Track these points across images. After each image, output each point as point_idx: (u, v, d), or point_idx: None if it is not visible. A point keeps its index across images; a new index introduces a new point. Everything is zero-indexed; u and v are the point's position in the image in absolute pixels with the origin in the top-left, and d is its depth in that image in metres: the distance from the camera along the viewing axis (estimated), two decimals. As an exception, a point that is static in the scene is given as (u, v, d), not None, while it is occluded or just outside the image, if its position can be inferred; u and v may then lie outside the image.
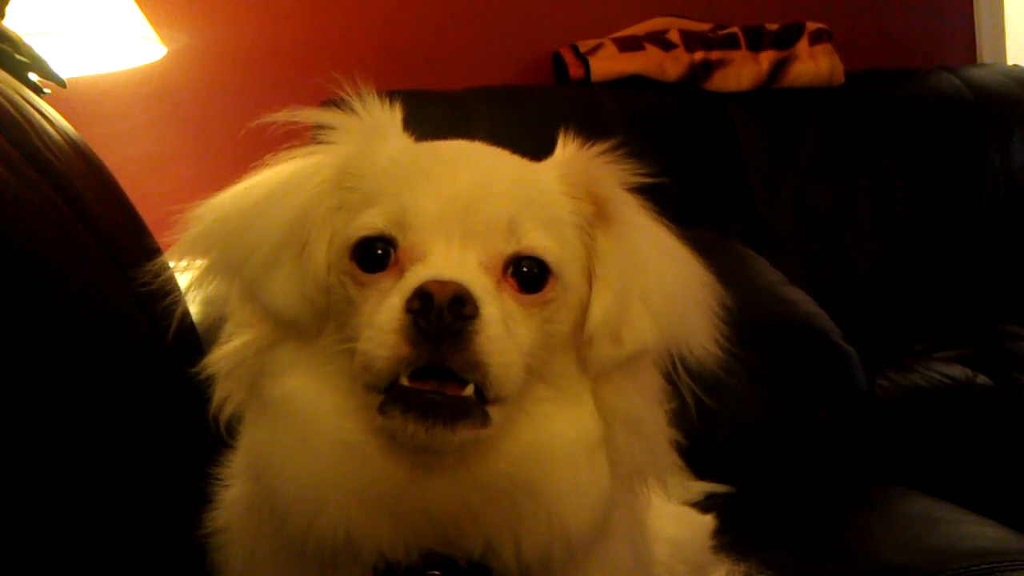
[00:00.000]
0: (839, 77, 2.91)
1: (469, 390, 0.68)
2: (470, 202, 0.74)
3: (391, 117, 0.84)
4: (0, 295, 0.79)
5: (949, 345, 2.39)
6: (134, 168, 2.30)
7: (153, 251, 1.05)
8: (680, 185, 2.49)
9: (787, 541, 1.38)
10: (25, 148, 1.01)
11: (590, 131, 0.84)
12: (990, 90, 3.03)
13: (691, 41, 2.81)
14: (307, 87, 0.93)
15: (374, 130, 0.82)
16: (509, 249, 0.74)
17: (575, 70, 2.76)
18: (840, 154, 2.84)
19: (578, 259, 0.78)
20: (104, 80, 2.43)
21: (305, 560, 0.74)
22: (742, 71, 2.82)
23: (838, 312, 1.95)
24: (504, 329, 0.69)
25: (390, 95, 0.85)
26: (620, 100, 2.68)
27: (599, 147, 0.83)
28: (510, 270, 0.74)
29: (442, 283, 0.67)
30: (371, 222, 0.74)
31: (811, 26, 2.92)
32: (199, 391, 0.82)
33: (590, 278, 0.79)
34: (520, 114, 2.48)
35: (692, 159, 2.70)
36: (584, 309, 0.78)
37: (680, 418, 0.83)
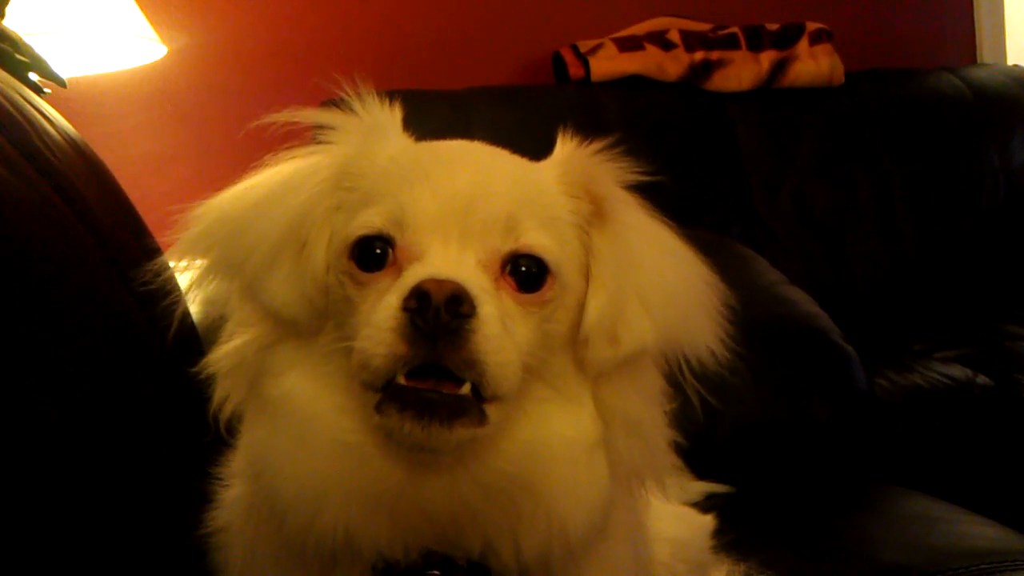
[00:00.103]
0: (839, 77, 2.91)
1: (466, 389, 0.68)
2: (468, 201, 0.74)
3: (391, 117, 0.84)
4: (0, 295, 0.79)
5: (949, 345, 2.39)
6: (134, 168, 2.30)
7: (153, 251, 1.05)
8: (680, 185, 2.49)
9: (787, 541, 1.38)
10: (25, 148, 1.01)
11: (590, 131, 0.84)
12: (990, 90, 3.03)
13: (691, 41, 2.81)
14: (307, 87, 0.93)
15: (373, 130, 0.82)
16: (507, 248, 0.74)
17: (575, 70, 2.76)
18: (840, 154, 2.84)
19: (577, 258, 0.78)
20: (104, 80, 2.43)
21: (305, 560, 0.74)
22: (742, 71, 2.82)
23: (838, 312, 1.95)
24: (501, 328, 0.69)
25: (390, 95, 0.85)
26: (620, 100, 2.68)
27: (597, 145, 0.83)
28: (508, 269, 0.74)
29: (439, 282, 0.67)
30: (369, 221, 0.74)
31: (811, 26, 2.93)
32: (199, 391, 0.82)
33: (589, 278, 0.78)
34: (520, 114, 2.48)
35: (692, 159, 2.70)
36: (583, 309, 0.78)
37: (680, 418, 0.83)
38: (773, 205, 2.75)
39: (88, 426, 0.87)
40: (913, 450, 1.99)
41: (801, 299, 1.93)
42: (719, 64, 2.81)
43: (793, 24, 2.94)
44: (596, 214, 0.79)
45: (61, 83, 1.60)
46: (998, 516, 1.44)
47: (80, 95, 2.07)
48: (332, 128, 0.82)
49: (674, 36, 2.82)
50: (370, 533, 0.72)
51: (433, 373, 0.68)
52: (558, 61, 2.83)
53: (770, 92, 2.85)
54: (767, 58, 2.86)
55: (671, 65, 2.77)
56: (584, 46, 2.77)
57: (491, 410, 0.70)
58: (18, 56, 1.49)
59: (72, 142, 1.20)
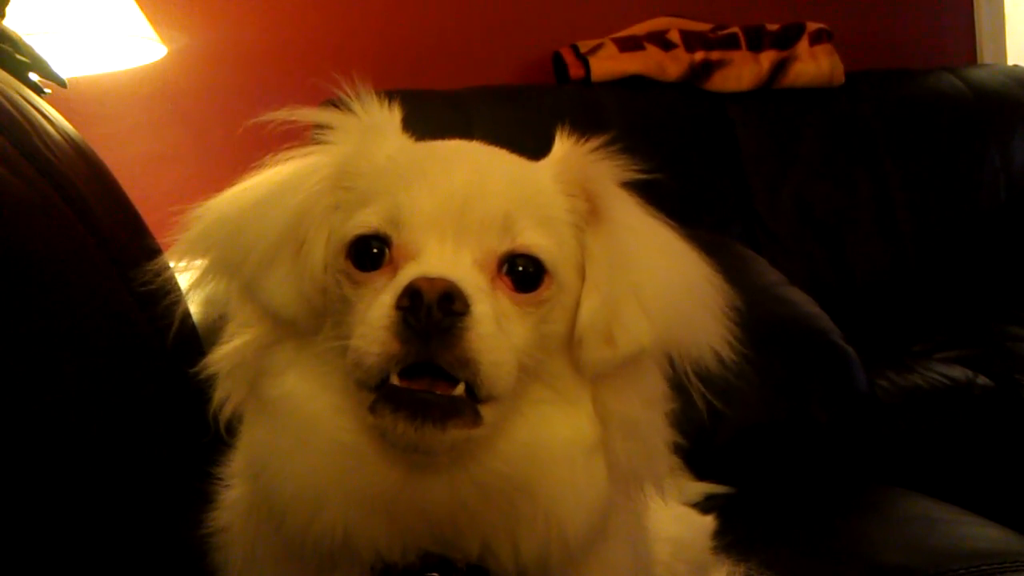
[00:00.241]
0: (839, 77, 2.91)
1: (460, 389, 0.68)
2: (465, 200, 0.73)
3: (389, 117, 0.84)
4: (0, 295, 0.79)
5: (949, 346, 2.39)
6: (134, 168, 2.30)
7: (153, 251, 1.05)
8: (680, 185, 2.50)
9: (787, 541, 1.38)
10: (25, 148, 1.01)
11: (590, 131, 0.84)
12: (990, 90, 3.03)
13: (691, 41, 2.81)
14: (307, 87, 0.93)
15: (372, 130, 0.82)
16: (503, 247, 0.74)
17: (575, 70, 2.76)
18: (840, 154, 2.84)
19: (574, 258, 0.77)
20: (104, 80, 2.43)
21: (304, 560, 0.74)
22: (742, 71, 2.82)
23: (838, 312, 1.95)
24: (496, 327, 0.69)
25: (390, 95, 0.85)
26: (620, 100, 2.68)
27: (594, 142, 0.82)
28: (505, 268, 0.74)
29: (431, 280, 0.67)
30: (366, 221, 0.74)
31: (811, 26, 2.93)
32: (199, 391, 0.82)
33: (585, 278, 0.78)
34: (520, 114, 2.48)
35: (692, 159, 2.70)
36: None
37: (680, 419, 0.83)
38: (773, 205, 2.75)
39: (88, 426, 0.87)
40: (913, 451, 1.99)
41: (801, 299, 1.93)
42: (719, 64, 2.81)
43: (793, 24, 2.94)
44: (592, 212, 0.79)
45: (61, 83, 1.60)
46: (998, 517, 1.44)
47: (80, 95, 2.07)
48: (331, 128, 0.82)
49: (674, 36, 2.81)
50: (368, 534, 0.72)
51: (428, 374, 0.68)
52: (558, 61, 2.83)
53: (770, 92, 2.85)
54: (767, 58, 2.86)
55: (671, 65, 2.77)
56: (584, 46, 2.77)
57: (486, 411, 0.69)
58: (18, 56, 1.49)
59: (72, 142, 1.20)
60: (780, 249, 2.67)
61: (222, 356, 0.81)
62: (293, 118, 0.81)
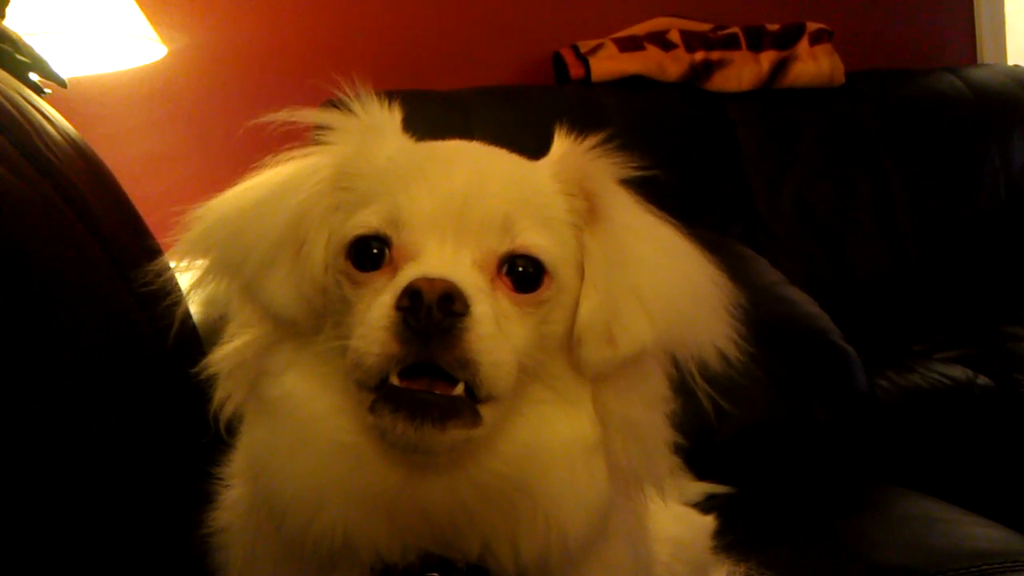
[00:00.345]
0: (839, 77, 2.90)
1: (459, 389, 0.68)
2: (464, 201, 0.73)
3: (389, 117, 0.84)
4: (0, 295, 0.79)
5: (949, 345, 2.39)
6: (134, 168, 2.30)
7: (153, 251, 1.05)
8: (680, 185, 2.49)
9: (787, 541, 1.38)
10: (25, 148, 1.01)
11: (590, 131, 0.84)
12: (990, 90, 3.03)
13: (691, 41, 2.81)
14: (307, 87, 0.93)
15: (372, 130, 0.82)
16: (503, 247, 0.74)
17: (575, 70, 2.75)
18: (840, 154, 2.83)
19: (574, 258, 0.77)
20: (104, 80, 2.43)
21: (304, 561, 0.74)
22: (742, 71, 2.82)
23: (838, 312, 1.95)
24: (495, 328, 0.69)
25: (390, 95, 0.85)
26: (620, 100, 2.68)
27: (592, 141, 0.82)
28: (505, 269, 0.74)
29: (431, 280, 0.67)
30: (366, 221, 0.74)
31: (811, 26, 2.92)
32: (199, 391, 0.82)
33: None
34: (520, 114, 2.48)
35: (692, 159, 2.70)
36: None
37: (681, 419, 0.83)
38: (773, 205, 2.75)
39: (88, 426, 0.87)
40: (913, 450, 1.99)
41: (801, 299, 1.93)
42: (719, 64, 2.81)
43: (793, 24, 2.93)
44: (591, 211, 0.78)
45: (61, 83, 1.60)
46: (998, 516, 1.44)
47: (80, 95, 2.07)
48: (331, 128, 0.82)
49: (674, 36, 2.81)
50: (368, 534, 0.72)
51: (427, 374, 0.68)
52: (558, 61, 2.83)
53: (770, 92, 2.85)
54: (767, 58, 2.86)
55: (671, 65, 2.77)
56: (584, 46, 2.77)
57: (486, 411, 0.69)
58: (19, 56, 1.49)
59: (72, 142, 1.20)
60: (780, 249, 2.67)
61: (222, 356, 0.81)
62: (293, 119, 0.81)
